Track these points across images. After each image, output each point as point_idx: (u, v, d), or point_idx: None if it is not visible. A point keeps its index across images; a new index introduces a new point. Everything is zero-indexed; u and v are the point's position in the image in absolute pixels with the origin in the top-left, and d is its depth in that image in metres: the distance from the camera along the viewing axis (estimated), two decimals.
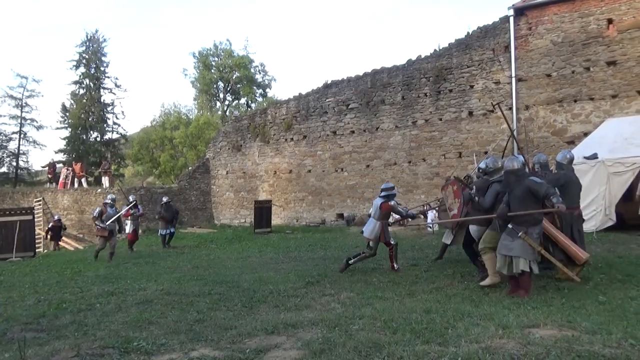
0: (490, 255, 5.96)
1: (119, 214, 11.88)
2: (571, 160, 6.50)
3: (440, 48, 15.69)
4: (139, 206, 13.78)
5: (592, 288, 5.82)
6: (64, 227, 18.91)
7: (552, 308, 4.87)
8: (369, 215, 8.34)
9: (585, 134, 12.53)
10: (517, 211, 5.43)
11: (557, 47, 13.32)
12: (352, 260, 7.87)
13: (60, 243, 18.48)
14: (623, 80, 12.43)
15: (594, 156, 10.52)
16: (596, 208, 10.29)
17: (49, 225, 18.74)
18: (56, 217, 18.77)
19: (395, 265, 7.85)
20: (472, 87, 14.71)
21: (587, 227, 10.15)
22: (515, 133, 13.62)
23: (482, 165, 6.66)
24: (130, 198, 13.72)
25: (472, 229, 6.64)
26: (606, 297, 5.30)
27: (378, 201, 7.99)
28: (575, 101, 13.13)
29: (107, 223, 11.31)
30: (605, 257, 7.71)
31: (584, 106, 13.00)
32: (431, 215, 12.63)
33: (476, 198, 6.27)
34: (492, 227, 6.03)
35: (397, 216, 9.17)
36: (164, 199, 14.41)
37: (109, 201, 11.83)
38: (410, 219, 8.98)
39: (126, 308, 5.83)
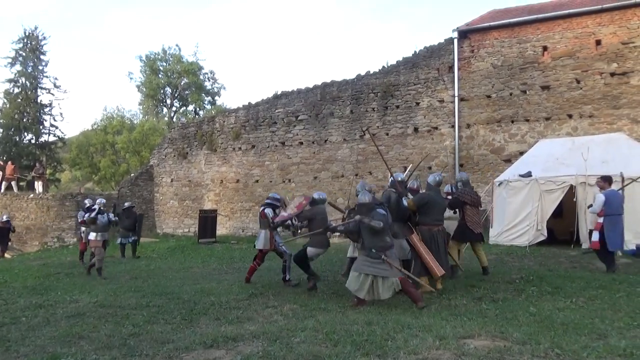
0: None
1: (112, 220, 10.30)
2: (439, 183, 7.14)
3: (389, 65, 16.12)
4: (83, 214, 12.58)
5: (524, 300, 6.10)
6: (13, 229, 16.53)
7: (486, 319, 5.05)
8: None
9: (521, 153, 13.23)
10: (370, 238, 5.93)
11: (497, 70, 14.05)
12: (287, 277, 7.81)
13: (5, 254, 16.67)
14: (555, 104, 13.28)
15: (528, 174, 11.12)
16: (529, 224, 10.84)
17: None
18: (4, 218, 16.22)
19: (287, 277, 7.79)
20: (418, 104, 15.19)
21: (520, 241, 10.72)
22: (453, 153, 14.21)
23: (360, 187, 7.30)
24: (87, 202, 12.38)
25: (310, 250, 7.20)
26: (536, 308, 5.56)
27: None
28: (512, 122, 13.86)
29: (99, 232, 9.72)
30: (537, 270, 8.12)
31: (520, 127, 13.76)
32: None
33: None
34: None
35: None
36: (126, 204, 13.30)
37: (99, 207, 10.05)
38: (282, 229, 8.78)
39: (55, 322, 5.49)
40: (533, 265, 8.76)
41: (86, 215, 10.12)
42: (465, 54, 14.52)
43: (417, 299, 5.81)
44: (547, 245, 10.57)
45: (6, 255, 17.26)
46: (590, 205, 8.34)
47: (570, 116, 13.11)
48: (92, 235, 9.84)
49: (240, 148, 18.37)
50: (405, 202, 6.72)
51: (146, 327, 5.11)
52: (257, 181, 17.91)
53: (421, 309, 5.59)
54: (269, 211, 8.11)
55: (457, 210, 7.80)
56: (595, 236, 7.88)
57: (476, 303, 5.96)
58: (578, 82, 13.02)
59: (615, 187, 8.39)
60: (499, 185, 11.78)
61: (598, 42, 12.85)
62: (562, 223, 11.64)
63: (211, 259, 12.11)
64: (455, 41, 14.52)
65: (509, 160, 13.59)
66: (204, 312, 5.87)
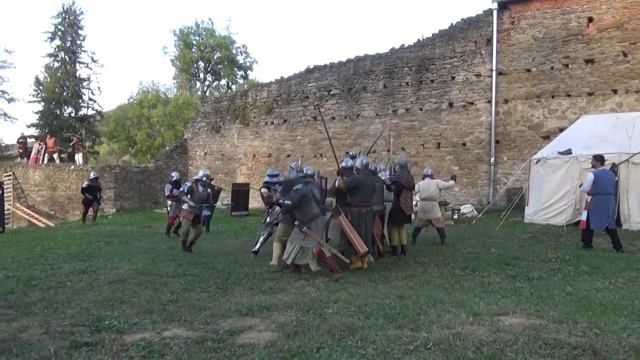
0: (278, 244, 7.11)
1: (215, 203, 9.54)
2: (366, 165, 7.35)
3: (424, 38, 15.73)
4: (183, 185, 11.74)
5: (560, 279, 5.98)
6: (100, 189, 15.41)
7: (521, 297, 4.99)
8: None
9: (561, 130, 12.79)
10: (298, 212, 6.40)
11: (538, 42, 13.49)
12: (255, 249, 8.15)
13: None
14: (600, 78, 12.69)
15: (568, 152, 10.76)
16: (567, 202, 10.55)
17: (84, 185, 14.92)
18: (92, 175, 15.23)
19: (255, 248, 8.14)
20: (453, 78, 14.81)
21: (557, 220, 10.45)
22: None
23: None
24: (174, 175, 11.80)
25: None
26: (573, 288, 5.45)
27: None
28: (552, 97, 13.36)
29: (195, 205, 8.89)
30: (574, 250, 7.92)
31: (561, 102, 13.25)
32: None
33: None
34: (283, 221, 7.16)
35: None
36: (200, 173, 13.14)
37: (203, 178, 9.19)
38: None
39: (98, 286, 5.74)
40: (570, 244, 8.55)
41: (185, 186, 9.26)
42: (504, 26, 13.99)
43: (335, 269, 6.14)
44: None
45: (45, 222, 17.98)
46: (582, 184, 8.34)
47: (615, 91, 12.53)
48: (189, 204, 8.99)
49: (272, 122, 18.44)
50: (337, 184, 7.09)
51: (183, 294, 5.29)
52: (288, 155, 17.99)
53: (337, 280, 5.91)
54: (264, 191, 8.43)
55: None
56: (584, 215, 7.95)
57: (510, 281, 5.88)
58: (625, 55, 12.38)
59: None
60: (536, 162, 11.47)
61: None
62: None
63: (244, 231, 12.33)
64: (495, 12, 13.99)
65: (547, 137, 13.17)
66: (238, 282, 6.02)
